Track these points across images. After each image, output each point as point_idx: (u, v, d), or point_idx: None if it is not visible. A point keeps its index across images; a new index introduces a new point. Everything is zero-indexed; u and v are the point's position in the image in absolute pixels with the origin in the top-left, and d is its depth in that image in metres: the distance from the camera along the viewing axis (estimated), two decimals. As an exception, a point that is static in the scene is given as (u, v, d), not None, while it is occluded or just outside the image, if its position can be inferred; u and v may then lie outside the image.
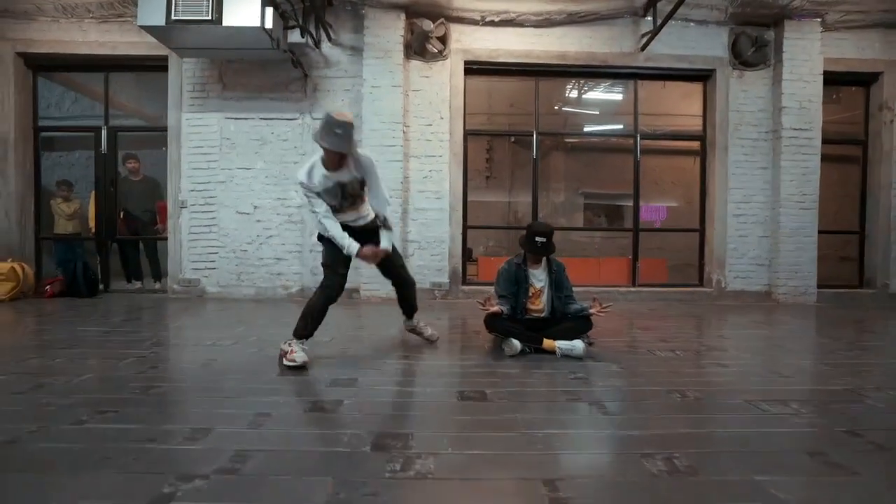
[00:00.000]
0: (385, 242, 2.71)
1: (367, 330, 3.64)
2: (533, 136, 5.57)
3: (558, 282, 2.96)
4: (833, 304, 5.42)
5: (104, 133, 5.48)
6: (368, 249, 2.61)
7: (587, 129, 6.46)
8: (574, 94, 6.25)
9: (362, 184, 2.66)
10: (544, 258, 2.95)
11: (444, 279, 5.30)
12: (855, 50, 5.54)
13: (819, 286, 5.48)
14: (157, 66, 5.30)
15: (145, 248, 5.73)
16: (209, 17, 4.14)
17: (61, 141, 6.08)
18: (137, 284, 5.70)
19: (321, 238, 2.70)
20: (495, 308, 2.71)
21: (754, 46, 5.31)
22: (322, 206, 2.56)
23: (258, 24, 4.21)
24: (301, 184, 2.56)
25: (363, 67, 5.17)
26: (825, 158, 5.47)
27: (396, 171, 5.16)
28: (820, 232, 5.45)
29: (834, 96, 6.00)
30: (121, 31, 5.22)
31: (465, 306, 4.82)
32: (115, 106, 5.80)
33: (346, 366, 2.53)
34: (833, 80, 5.56)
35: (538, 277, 2.95)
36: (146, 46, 5.03)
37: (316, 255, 5.16)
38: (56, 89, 6.01)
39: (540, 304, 2.96)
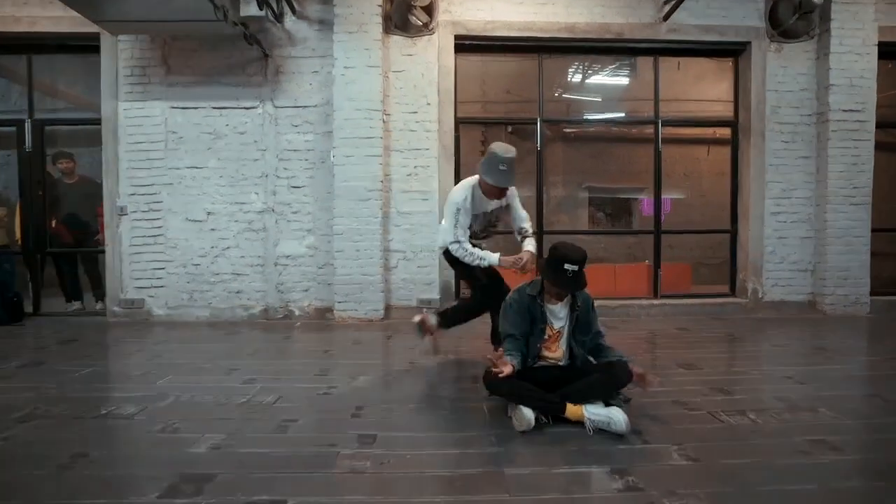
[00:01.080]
0: (529, 246, 2.78)
1: (337, 370, 2.81)
2: (537, 123, 4.74)
3: (584, 321, 2.16)
4: (888, 315, 4.65)
5: (28, 127, 4.60)
6: (510, 257, 2.68)
7: (601, 116, 5.62)
8: (583, 75, 5.40)
9: (502, 211, 2.88)
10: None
11: (434, 295, 4.48)
12: (915, 16, 4.73)
13: (872, 292, 4.70)
14: (87, 46, 4.43)
15: (84, 262, 4.87)
16: (131, -23, 3.28)
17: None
18: (77, 305, 4.85)
19: (453, 262, 2.81)
20: (507, 369, 1.90)
21: (797, 13, 4.48)
22: (463, 232, 2.69)
23: (193, -15, 3.35)
24: (458, 209, 2.67)
25: (334, 45, 4.32)
26: (880, 146, 4.67)
27: (374, 167, 4.33)
28: (874, 231, 4.67)
29: (889, 65, 5.15)
30: (41, 2, 4.35)
31: (460, 330, 4.02)
32: (49, 96, 4.94)
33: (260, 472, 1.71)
34: (890, 52, 4.74)
35: (557, 315, 2.14)
36: (71, 22, 4.14)
37: (281, 269, 4.35)
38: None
39: (558, 352, 2.16)
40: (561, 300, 2.15)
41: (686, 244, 5.90)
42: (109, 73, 4.42)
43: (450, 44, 4.49)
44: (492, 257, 2.67)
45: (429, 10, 4.40)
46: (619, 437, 1.84)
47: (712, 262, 5.59)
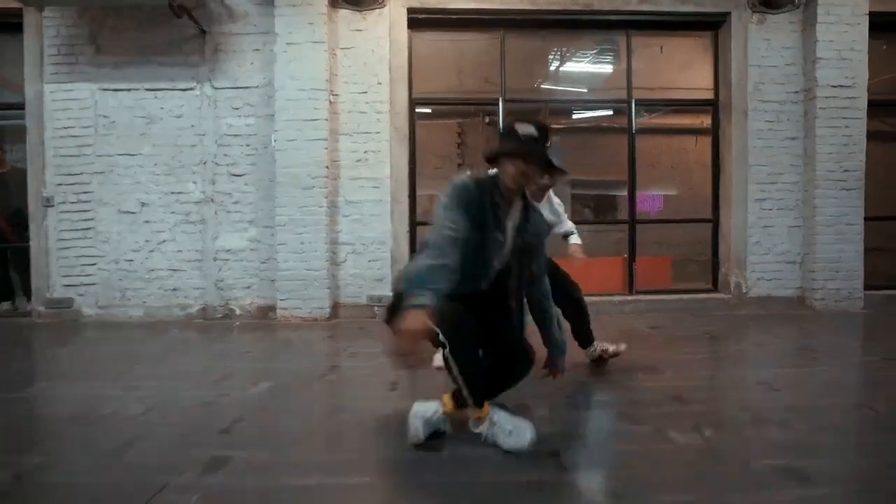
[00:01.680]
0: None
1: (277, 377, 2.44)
2: (498, 104, 4.37)
3: (534, 240, 1.68)
4: (884, 310, 4.26)
5: (-51, 113, 4.27)
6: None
7: (568, 97, 5.21)
8: (557, 56, 4.99)
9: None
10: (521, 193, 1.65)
11: (386, 291, 4.09)
12: (908, -15, 4.36)
13: (867, 286, 4.31)
14: (10, 23, 4.10)
15: (12, 257, 4.52)
16: (28, -63, 2.94)
17: None
18: (6, 305, 4.50)
19: None
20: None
21: (780, -19, 4.12)
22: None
23: (99, -54, 3.00)
24: None
25: (275, 19, 3.97)
26: (875, 128, 4.30)
27: (320, 152, 3.97)
28: (868, 219, 4.28)
29: (884, 47, 4.78)
30: (-42, -22, 4.02)
31: None
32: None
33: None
34: (882, 24, 4.36)
35: (506, 228, 1.64)
36: (-10, -3, 3.83)
37: (221, 265, 3.99)
38: None
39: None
40: (516, 197, 1.62)
41: (674, 239, 5.48)
42: (33, 52, 4.08)
43: (402, 17, 4.13)
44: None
45: (378, -18, 4.05)
46: (512, 453, 1.46)
47: (702, 258, 5.19)
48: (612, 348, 2.50)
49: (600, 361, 2.52)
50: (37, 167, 4.12)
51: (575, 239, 2.65)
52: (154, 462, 1.49)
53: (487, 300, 1.65)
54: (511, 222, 1.64)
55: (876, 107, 4.41)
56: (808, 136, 4.26)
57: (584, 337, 2.48)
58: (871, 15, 4.18)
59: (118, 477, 1.41)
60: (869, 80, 4.21)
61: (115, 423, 1.82)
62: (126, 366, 2.66)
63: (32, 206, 4.13)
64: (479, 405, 1.53)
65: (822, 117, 4.17)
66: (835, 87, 4.16)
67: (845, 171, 4.21)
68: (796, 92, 4.30)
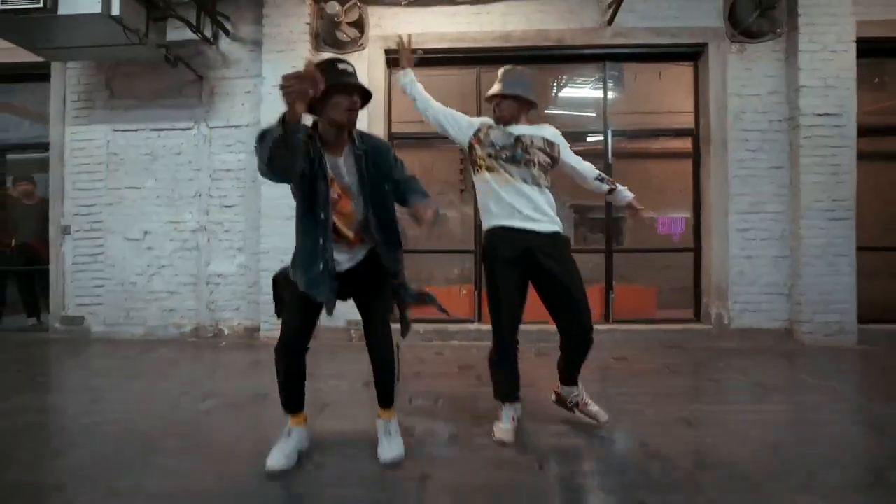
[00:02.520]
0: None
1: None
2: (473, 137, 4.50)
3: (377, 173, 1.81)
4: (882, 345, 4.02)
5: (-11, 153, 4.87)
6: None
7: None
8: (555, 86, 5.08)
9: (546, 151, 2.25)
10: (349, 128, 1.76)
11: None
12: (900, 8, 4.19)
13: (864, 320, 4.09)
14: (40, 75, 4.65)
15: (39, 279, 5.04)
16: (41, 5, 3.38)
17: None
18: (32, 320, 5.01)
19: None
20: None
21: (758, 10, 4.06)
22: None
23: (99, 10, 3.41)
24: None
25: (262, 64, 4.31)
26: (870, 155, 4.13)
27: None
28: (862, 249, 4.08)
29: (876, 80, 4.61)
30: (-1, 36, 4.61)
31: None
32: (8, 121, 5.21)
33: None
34: (873, 50, 4.22)
35: (340, 167, 1.78)
36: (25, 52, 4.36)
37: (213, 289, 4.32)
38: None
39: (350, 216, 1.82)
40: (343, 139, 1.76)
41: (659, 266, 5.34)
42: (58, 99, 4.60)
43: (380, 58, 4.38)
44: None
45: (358, 26, 4.32)
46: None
47: (688, 288, 5.05)
48: (594, 409, 2.19)
49: (562, 404, 2.29)
50: (56, 199, 4.61)
51: (623, 190, 2.33)
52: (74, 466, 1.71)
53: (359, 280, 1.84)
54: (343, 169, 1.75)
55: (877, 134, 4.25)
56: (793, 166, 4.14)
57: (568, 375, 2.20)
58: (859, 41, 4.04)
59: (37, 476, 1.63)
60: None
61: (62, 431, 2.08)
62: (103, 381, 2.97)
63: (52, 234, 4.62)
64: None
65: (807, 146, 4.05)
66: (820, 115, 4.04)
67: (833, 200, 4.05)
68: (780, 121, 4.20)
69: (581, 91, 4.77)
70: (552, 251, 2.07)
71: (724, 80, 4.22)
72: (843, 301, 4.04)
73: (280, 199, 4.23)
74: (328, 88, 1.61)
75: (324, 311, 1.79)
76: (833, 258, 4.05)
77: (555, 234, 2.11)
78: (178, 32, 4.22)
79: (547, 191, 2.16)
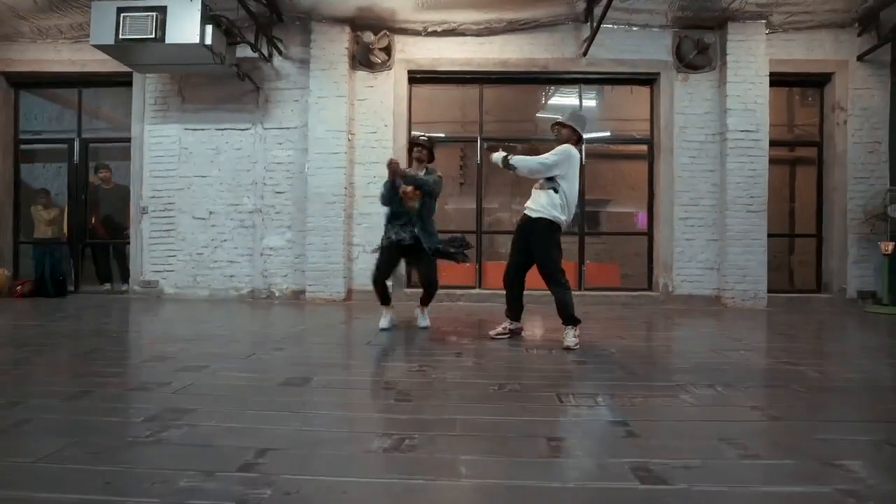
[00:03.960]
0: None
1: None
2: (477, 141, 5.68)
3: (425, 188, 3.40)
4: (785, 308, 5.31)
5: (76, 145, 5.88)
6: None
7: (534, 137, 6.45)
8: (520, 102, 6.27)
9: None
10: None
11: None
12: (805, 51, 5.46)
13: (774, 291, 5.37)
14: (123, 81, 5.67)
15: (114, 251, 6.08)
16: (153, 36, 4.44)
17: (39, 152, 6.52)
18: (107, 286, 6.05)
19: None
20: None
21: (697, 49, 5.29)
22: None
23: (198, 41, 4.48)
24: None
25: (310, 79, 5.41)
26: (786, 161, 5.40)
27: (340, 177, 5.36)
28: (774, 236, 5.35)
29: (806, 99, 5.89)
30: (91, 50, 5.56)
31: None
32: (95, 118, 6.22)
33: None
34: (785, 81, 5.49)
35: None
36: (113, 64, 5.38)
37: (267, 258, 5.40)
38: (35, 105, 6.41)
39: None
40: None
41: (630, 251, 6.56)
42: (138, 102, 5.64)
43: (403, 77, 5.51)
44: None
45: (387, 51, 5.44)
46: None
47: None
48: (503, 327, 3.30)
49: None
50: (137, 185, 5.66)
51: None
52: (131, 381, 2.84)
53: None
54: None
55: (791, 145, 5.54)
56: (722, 170, 5.38)
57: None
58: (777, 75, 5.30)
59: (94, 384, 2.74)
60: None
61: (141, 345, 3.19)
62: (164, 326, 4.07)
63: (132, 213, 5.66)
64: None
65: (732, 155, 5.30)
66: (742, 131, 5.29)
67: (751, 197, 5.31)
68: (714, 135, 5.45)
69: (563, 104, 5.96)
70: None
71: (672, 101, 5.45)
72: (758, 274, 5.31)
73: (322, 188, 5.36)
74: (412, 144, 3.40)
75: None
76: (750, 241, 5.31)
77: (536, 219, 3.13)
78: (240, 50, 5.30)
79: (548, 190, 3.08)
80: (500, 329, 3.31)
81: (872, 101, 5.51)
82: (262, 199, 5.59)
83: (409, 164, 3.56)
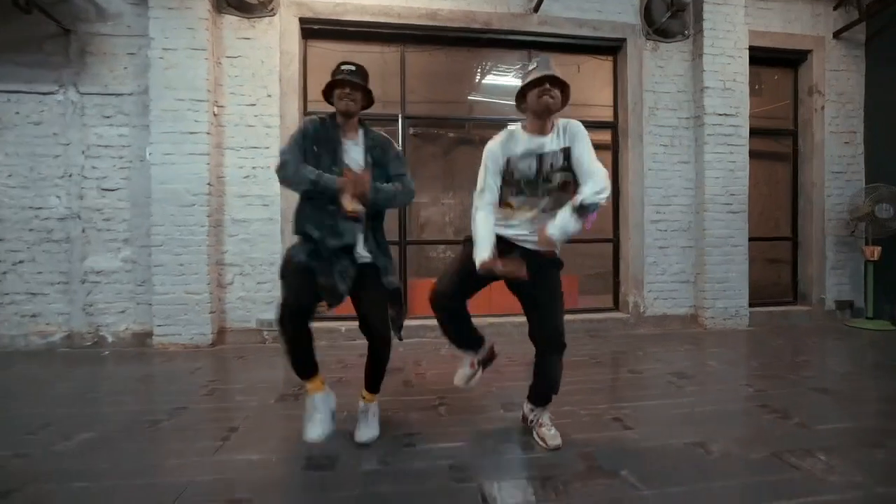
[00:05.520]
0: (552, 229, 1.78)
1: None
2: (398, 120, 4.25)
3: (382, 165, 2.02)
4: (766, 325, 4.52)
5: None
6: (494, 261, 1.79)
7: (466, 117, 5.09)
8: (454, 72, 4.88)
9: (564, 166, 1.84)
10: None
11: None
12: (781, 22, 4.65)
13: (751, 304, 4.54)
14: None
15: None
16: None
17: None
18: None
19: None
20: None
21: (669, 11, 4.26)
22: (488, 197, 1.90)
23: None
24: (486, 159, 1.90)
25: (149, 22, 3.66)
26: (753, 155, 4.55)
27: (201, 168, 3.69)
28: (749, 239, 4.51)
29: (757, 87, 5.08)
30: None
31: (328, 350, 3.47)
32: None
33: None
34: (758, 59, 4.64)
35: (353, 157, 1.98)
36: None
37: (91, 288, 3.64)
38: None
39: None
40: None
41: (579, 253, 5.56)
42: None
43: (294, 27, 3.93)
44: (479, 249, 1.80)
45: (268, -12, 3.82)
46: None
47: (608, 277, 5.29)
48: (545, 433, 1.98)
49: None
50: None
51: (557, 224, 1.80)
52: None
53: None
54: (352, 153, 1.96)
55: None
56: (698, 161, 4.44)
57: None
58: (750, 50, 4.42)
59: None
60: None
61: None
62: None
63: None
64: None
65: (710, 143, 4.36)
66: (720, 115, 4.36)
67: (731, 195, 4.42)
68: (688, 118, 4.48)
69: (505, 79, 4.68)
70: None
71: (640, 75, 4.39)
72: (738, 288, 4.45)
73: (174, 184, 3.67)
74: (332, 83, 1.94)
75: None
76: (730, 248, 4.43)
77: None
78: (32, -27, 3.42)
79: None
80: (466, 372, 2.19)
81: (848, 84, 4.85)
82: (82, 199, 3.76)
83: (331, 119, 1.98)
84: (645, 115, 4.40)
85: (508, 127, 2.02)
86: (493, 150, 1.89)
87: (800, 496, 1.54)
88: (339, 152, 1.92)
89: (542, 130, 1.87)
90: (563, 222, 1.75)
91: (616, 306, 4.64)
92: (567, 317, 4.29)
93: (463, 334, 2.10)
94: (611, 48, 4.52)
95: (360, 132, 2.02)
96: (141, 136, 3.77)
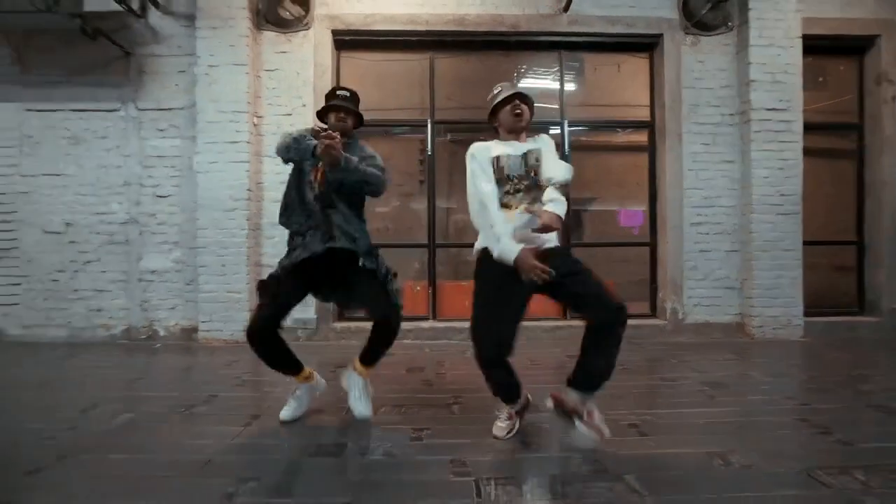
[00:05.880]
0: (553, 207, 1.87)
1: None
2: (427, 126, 4.32)
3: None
4: (824, 336, 4.13)
5: None
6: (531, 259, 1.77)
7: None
8: (483, 76, 4.86)
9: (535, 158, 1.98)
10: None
11: (310, 314, 4.04)
12: (840, 7, 4.29)
13: (808, 313, 4.18)
14: (-59, 45, 4.13)
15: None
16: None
17: None
18: (-63, 324, 4.48)
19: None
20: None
21: (710, 2, 4.06)
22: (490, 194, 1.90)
23: (-2, -29, 3.01)
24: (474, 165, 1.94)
25: (196, 41, 3.97)
26: (812, 152, 4.21)
27: (241, 174, 3.94)
28: (807, 243, 4.16)
29: (820, 79, 4.70)
30: None
31: (339, 350, 3.60)
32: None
33: None
34: (815, 48, 4.30)
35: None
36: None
37: (146, 286, 3.96)
38: None
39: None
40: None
41: (617, 259, 5.31)
42: (-40, 73, 4.10)
43: (327, 39, 4.12)
44: (507, 244, 1.79)
45: (303, 3, 4.04)
46: None
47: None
48: (600, 425, 1.85)
49: (561, 412, 2.00)
50: (-39, 187, 4.12)
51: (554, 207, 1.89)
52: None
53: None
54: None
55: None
56: (744, 160, 4.17)
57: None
58: (804, 38, 4.11)
59: None
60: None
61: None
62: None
63: (-44, 227, 4.12)
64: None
65: (758, 140, 4.08)
66: (769, 110, 4.08)
67: (782, 195, 4.11)
68: (732, 115, 4.23)
69: (538, 81, 4.63)
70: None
71: (678, 72, 4.20)
72: (790, 295, 4.11)
73: (217, 190, 3.93)
74: (326, 108, 2.22)
75: None
76: (780, 252, 4.11)
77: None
78: (98, 2, 3.81)
79: None
80: (505, 424, 2.01)
81: (923, 72, 4.38)
82: (139, 205, 4.12)
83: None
84: (684, 113, 4.20)
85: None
86: (477, 156, 1.93)
87: (826, 516, 1.41)
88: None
89: (517, 141, 2.01)
90: (555, 202, 1.88)
91: (653, 313, 4.43)
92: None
93: (504, 382, 1.98)
94: (646, 45, 4.36)
95: (348, 143, 2.15)
96: (190, 146, 4.08)
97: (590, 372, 1.84)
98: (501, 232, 1.82)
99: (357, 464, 1.78)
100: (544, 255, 1.83)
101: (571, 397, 1.88)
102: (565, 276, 1.79)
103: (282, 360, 2.11)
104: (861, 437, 2.00)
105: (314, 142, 1.94)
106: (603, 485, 1.58)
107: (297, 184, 2.14)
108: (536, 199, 1.91)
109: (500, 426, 2.01)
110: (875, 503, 1.46)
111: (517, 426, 2.02)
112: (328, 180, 2.06)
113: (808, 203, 4.17)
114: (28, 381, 2.94)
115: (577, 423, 1.87)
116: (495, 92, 2.03)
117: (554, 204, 1.87)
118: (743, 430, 2.08)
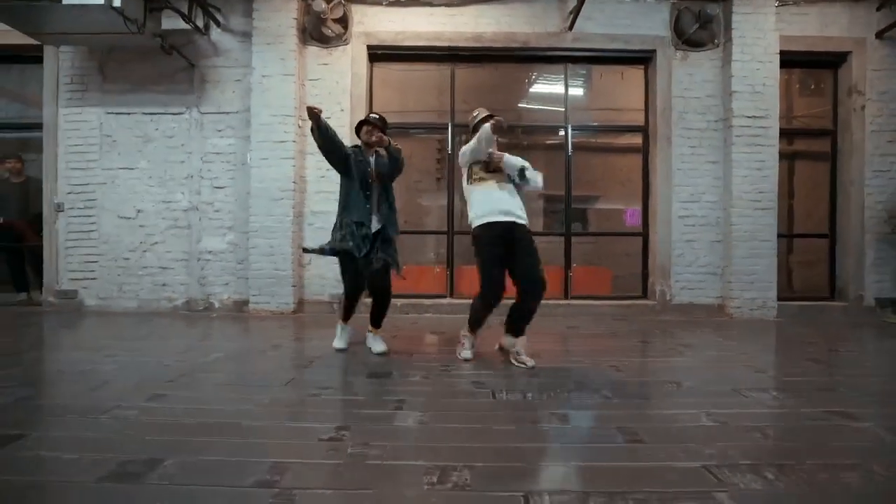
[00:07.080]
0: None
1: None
2: (448, 129, 4.95)
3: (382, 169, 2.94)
4: (796, 318, 4.68)
5: (-20, 131, 5.02)
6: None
7: (514, 123, 5.67)
8: (498, 85, 5.49)
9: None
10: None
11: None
12: (818, 26, 4.82)
13: (783, 298, 4.74)
14: (33, 56, 4.83)
15: (29, 256, 5.23)
16: (45, -5, 3.63)
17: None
18: (23, 296, 5.20)
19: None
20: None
21: (698, 23, 4.63)
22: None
23: (102, 1, 3.68)
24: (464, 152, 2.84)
25: (252, 55, 4.63)
26: (797, 154, 4.76)
27: (288, 169, 4.60)
28: (783, 236, 4.71)
29: (812, 85, 5.24)
30: (-8, 19, 4.76)
31: (361, 319, 4.23)
32: None
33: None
34: (795, 62, 4.86)
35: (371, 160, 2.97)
36: (18, 35, 4.54)
37: (205, 264, 4.63)
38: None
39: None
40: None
41: (618, 253, 5.86)
42: (51, 81, 4.80)
43: (362, 53, 4.75)
44: (481, 133, 2.64)
45: (342, 22, 4.68)
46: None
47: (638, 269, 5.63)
48: (525, 359, 2.65)
49: (503, 352, 2.85)
50: (50, 178, 4.83)
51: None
52: (112, 395, 2.08)
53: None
54: (371, 159, 2.95)
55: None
56: (726, 161, 4.73)
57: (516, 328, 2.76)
58: (785, 54, 4.65)
59: (86, 402, 1.99)
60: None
61: (91, 375, 2.42)
62: (112, 342, 3.29)
63: (46, 211, 4.83)
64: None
65: (738, 144, 4.65)
66: (749, 117, 4.63)
67: (759, 192, 4.66)
68: (716, 121, 4.79)
69: (546, 88, 5.24)
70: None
71: (669, 82, 4.78)
72: (766, 280, 4.67)
73: (267, 182, 4.59)
74: (363, 121, 3.02)
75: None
76: (758, 243, 4.67)
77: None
78: (171, 21, 4.49)
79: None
80: (470, 352, 2.88)
81: (890, 83, 4.90)
82: (199, 195, 4.80)
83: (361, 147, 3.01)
84: (674, 119, 4.78)
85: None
86: (466, 150, 2.85)
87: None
88: (365, 160, 2.94)
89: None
90: (512, 160, 2.77)
91: (644, 294, 5.01)
92: (595, 302, 4.80)
93: (482, 319, 2.81)
94: (642, 59, 4.94)
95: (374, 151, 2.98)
96: (244, 145, 4.75)
97: (515, 323, 2.74)
98: (479, 137, 2.67)
99: (402, 383, 2.40)
100: (510, 226, 2.65)
101: (506, 341, 2.78)
102: (519, 242, 2.65)
103: (351, 312, 3.11)
104: (785, 373, 2.59)
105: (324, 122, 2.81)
106: (581, 394, 2.19)
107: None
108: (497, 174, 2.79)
109: (467, 353, 2.85)
110: (776, 404, 2.05)
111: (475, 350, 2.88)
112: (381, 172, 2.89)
113: (793, 201, 4.72)
114: (125, 336, 3.62)
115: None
116: (475, 114, 2.94)
117: (511, 159, 2.76)
118: (697, 369, 2.68)
